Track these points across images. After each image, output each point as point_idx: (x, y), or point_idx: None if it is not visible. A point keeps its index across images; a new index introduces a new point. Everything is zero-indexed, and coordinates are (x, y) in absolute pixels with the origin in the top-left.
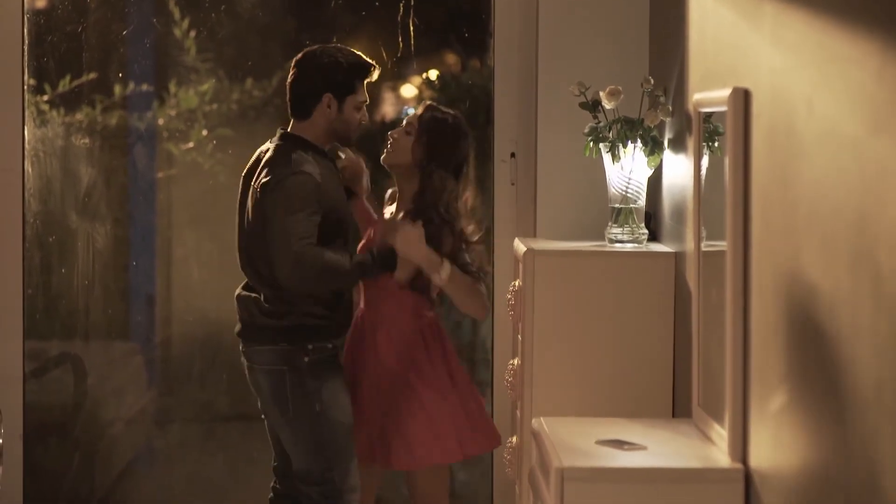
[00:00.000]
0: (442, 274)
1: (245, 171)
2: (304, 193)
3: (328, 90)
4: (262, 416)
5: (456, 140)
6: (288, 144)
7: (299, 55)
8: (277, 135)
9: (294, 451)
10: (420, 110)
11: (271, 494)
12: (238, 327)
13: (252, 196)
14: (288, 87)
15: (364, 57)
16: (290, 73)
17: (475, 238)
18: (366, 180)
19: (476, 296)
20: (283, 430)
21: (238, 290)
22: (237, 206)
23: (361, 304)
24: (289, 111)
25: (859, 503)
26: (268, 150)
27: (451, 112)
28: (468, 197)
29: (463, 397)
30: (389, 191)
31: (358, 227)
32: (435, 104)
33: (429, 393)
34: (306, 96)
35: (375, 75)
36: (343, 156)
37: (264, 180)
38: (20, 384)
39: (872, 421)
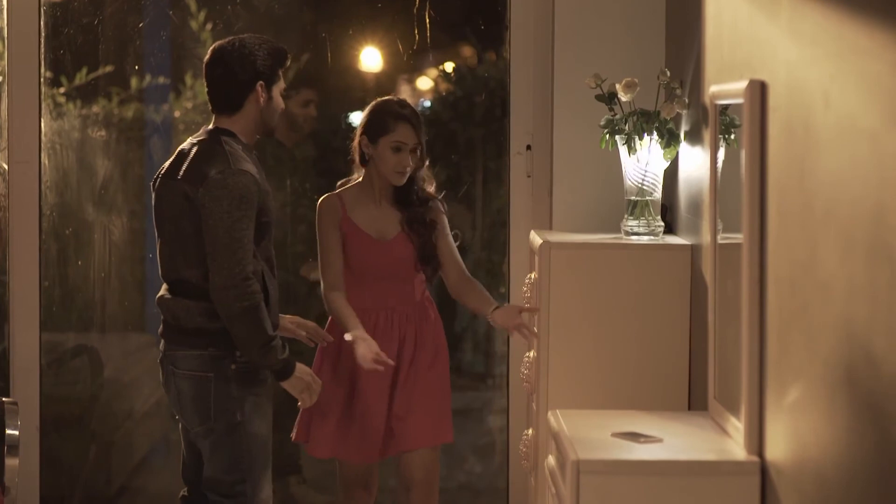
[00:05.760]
0: None
1: (164, 170)
2: (248, 194)
3: (260, 78)
4: (176, 418)
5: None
6: (217, 138)
7: (214, 50)
8: (202, 131)
9: (209, 459)
10: (410, 129)
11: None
12: (161, 328)
13: (180, 194)
14: (212, 82)
15: (278, 44)
16: (210, 69)
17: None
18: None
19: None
20: (200, 438)
21: (162, 293)
22: (152, 210)
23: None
24: (212, 108)
25: (877, 496)
26: (193, 146)
27: (394, 97)
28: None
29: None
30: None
31: (271, 228)
32: (386, 98)
33: (445, 370)
34: (238, 87)
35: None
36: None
37: (201, 176)
38: (37, 376)
39: (890, 413)
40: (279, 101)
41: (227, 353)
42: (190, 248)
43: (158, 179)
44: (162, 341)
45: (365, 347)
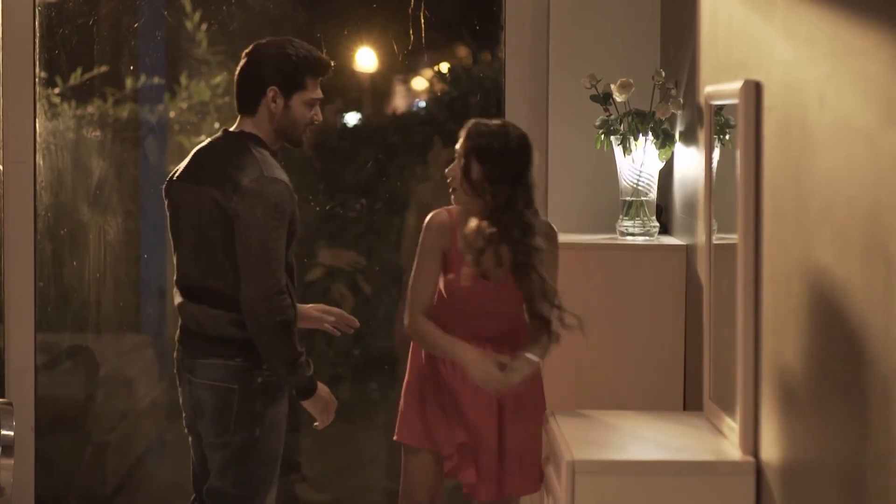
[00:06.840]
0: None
1: (181, 173)
2: (282, 203)
3: (273, 83)
4: (186, 432)
5: (507, 151)
6: (244, 143)
7: (249, 48)
8: (222, 133)
9: (219, 471)
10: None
11: None
12: (178, 334)
13: (208, 201)
14: (235, 79)
15: (318, 53)
16: (239, 65)
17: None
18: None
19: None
20: (213, 450)
21: (181, 300)
22: (168, 214)
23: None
24: (236, 106)
25: (871, 497)
26: (215, 150)
27: (497, 122)
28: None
29: None
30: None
31: (296, 236)
32: (479, 121)
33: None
34: (252, 89)
35: (330, 73)
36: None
37: (233, 183)
38: (32, 376)
39: (885, 412)
40: (301, 112)
41: (254, 364)
42: (219, 257)
43: (175, 183)
44: (178, 348)
45: (483, 367)
